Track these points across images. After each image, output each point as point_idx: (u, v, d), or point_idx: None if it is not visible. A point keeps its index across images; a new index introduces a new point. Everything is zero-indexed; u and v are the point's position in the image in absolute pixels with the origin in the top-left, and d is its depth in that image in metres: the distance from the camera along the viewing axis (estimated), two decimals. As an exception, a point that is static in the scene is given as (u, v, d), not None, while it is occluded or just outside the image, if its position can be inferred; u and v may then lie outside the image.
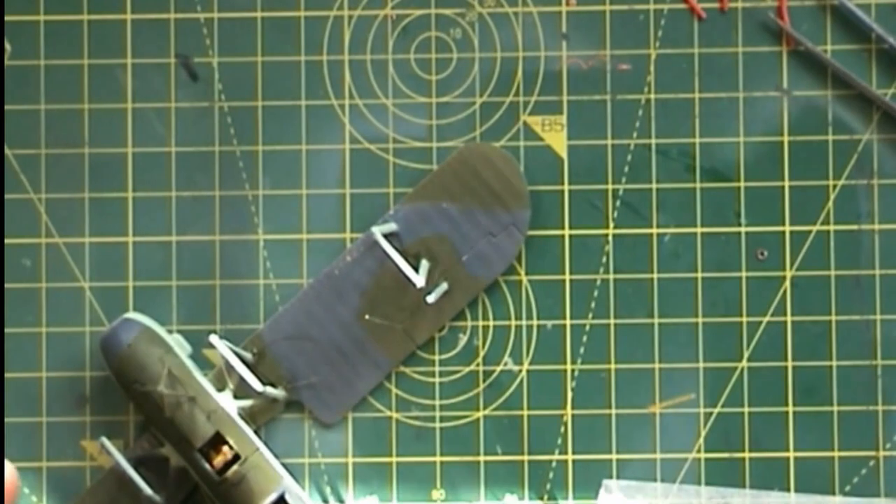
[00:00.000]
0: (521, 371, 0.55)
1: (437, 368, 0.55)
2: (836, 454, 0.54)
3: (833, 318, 0.55)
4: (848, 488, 0.54)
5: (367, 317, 0.54)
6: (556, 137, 0.55)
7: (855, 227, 0.55)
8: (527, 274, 0.55)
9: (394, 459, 0.55)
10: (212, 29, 0.55)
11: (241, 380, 0.53)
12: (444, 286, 0.54)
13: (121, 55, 0.55)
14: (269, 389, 0.53)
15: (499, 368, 0.55)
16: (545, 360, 0.55)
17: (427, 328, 0.54)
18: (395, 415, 0.55)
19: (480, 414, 0.55)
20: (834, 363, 0.54)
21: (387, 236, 0.53)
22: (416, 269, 0.53)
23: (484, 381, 0.55)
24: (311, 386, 0.54)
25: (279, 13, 0.55)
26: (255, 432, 0.53)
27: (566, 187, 0.55)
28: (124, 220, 0.55)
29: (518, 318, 0.55)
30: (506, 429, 0.55)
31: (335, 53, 0.55)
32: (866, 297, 0.55)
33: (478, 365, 0.55)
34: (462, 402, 0.55)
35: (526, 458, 0.55)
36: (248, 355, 0.54)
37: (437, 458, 0.55)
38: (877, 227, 0.55)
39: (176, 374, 0.52)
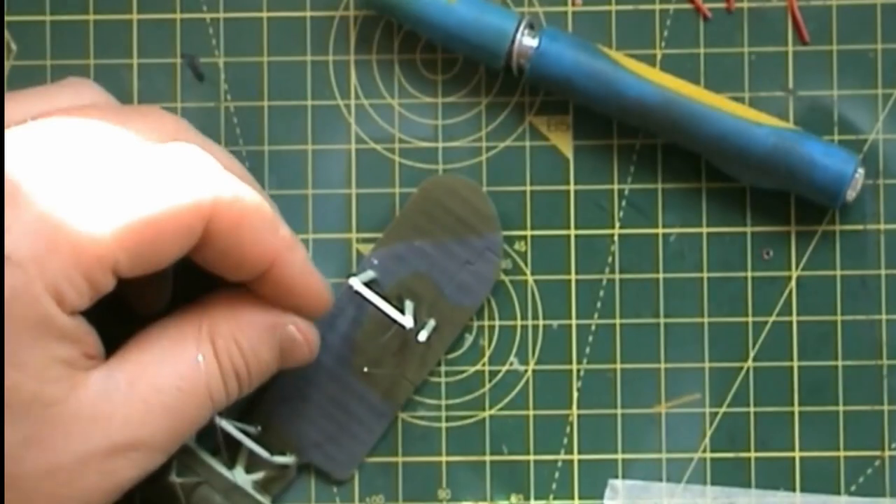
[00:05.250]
0: (526, 371, 0.55)
1: (443, 368, 0.55)
2: (842, 454, 0.54)
3: (839, 318, 0.55)
4: (853, 488, 0.54)
5: (365, 369, 0.54)
6: (562, 138, 0.55)
7: (860, 227, 0.55)
8: (532, 274, 0.55)
9: (399, 459, 0.55)
10: (218, 29, 0.55)
11: (251, 453, 0.53)
12: (432, 323, 0.54)
13: (127, 55, 0.55)
14: (278, 458, 0.53)
15: (504, 368, 0.55)
16: (551, 360, 0.55)
17: (421, 366, 0.54)
18: (401, 415, 0.55)
19: (486, 414, 0.55)
20: (839, 363, 0.55)
21: (366, 284, 0.52)
22: (402, 311, 0.53)
23: (490, 381, 0.55)
24: (318, 445, 0.54)
25: (285, 13, 0.55)
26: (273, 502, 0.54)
27: (572, 187, 0.55)
28: (130, 220, 0.55)
29: (524, 318, 0.55)
30: (511, 429, 0.55)
31: (341, 54, 0.55)
32: (872, 296, 0.55)
33: (483, 365, 0.55)
34: (468, 402, 0.55)
35: (532, 457, 0.55)
36: (251, 429, 0.53)
37: (443, 458, 0.55)
38: (882, 227, 0.55)
39: (185, 461, 0.51)
